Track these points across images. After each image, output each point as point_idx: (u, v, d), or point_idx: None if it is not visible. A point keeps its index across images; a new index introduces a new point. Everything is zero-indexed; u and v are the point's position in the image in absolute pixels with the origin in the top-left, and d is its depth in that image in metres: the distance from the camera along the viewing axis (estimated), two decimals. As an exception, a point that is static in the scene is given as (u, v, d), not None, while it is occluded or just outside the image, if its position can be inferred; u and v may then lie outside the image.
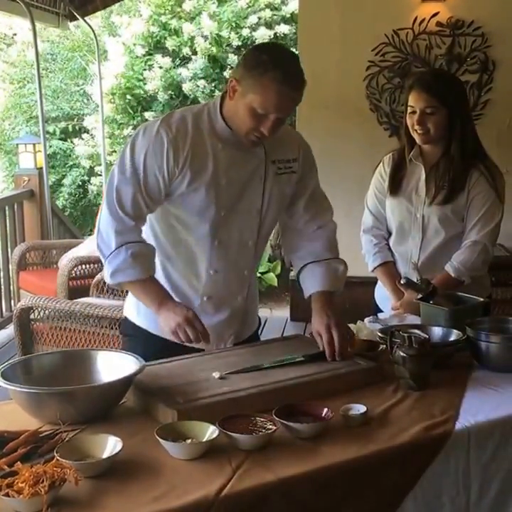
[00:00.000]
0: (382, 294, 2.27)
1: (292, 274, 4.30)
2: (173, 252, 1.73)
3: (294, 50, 5.47)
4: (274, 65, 1.52)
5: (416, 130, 2.06)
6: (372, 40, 4.02)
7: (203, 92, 6.16)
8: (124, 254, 1.61)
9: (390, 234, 2.25)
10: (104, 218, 1.64)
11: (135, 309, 1.81)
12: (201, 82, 6.20)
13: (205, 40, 6.22)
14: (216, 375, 1.53)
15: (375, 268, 2.25)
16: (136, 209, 1.63)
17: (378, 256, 2.23)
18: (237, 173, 1.67)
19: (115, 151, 6.88)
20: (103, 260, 1.65)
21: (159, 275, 1.73)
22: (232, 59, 6.14)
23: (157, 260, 1.72)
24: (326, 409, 1.38)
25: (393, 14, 4.00)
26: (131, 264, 1.61)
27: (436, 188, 2.10)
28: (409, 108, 2.08)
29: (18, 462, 1.13)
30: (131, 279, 1.63)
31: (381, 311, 2.20)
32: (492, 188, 2.08)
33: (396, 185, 2.18)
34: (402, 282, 1.96)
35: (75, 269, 3.80)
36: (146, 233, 1.73)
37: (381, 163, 2.25)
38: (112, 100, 6.59)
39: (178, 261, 1.72)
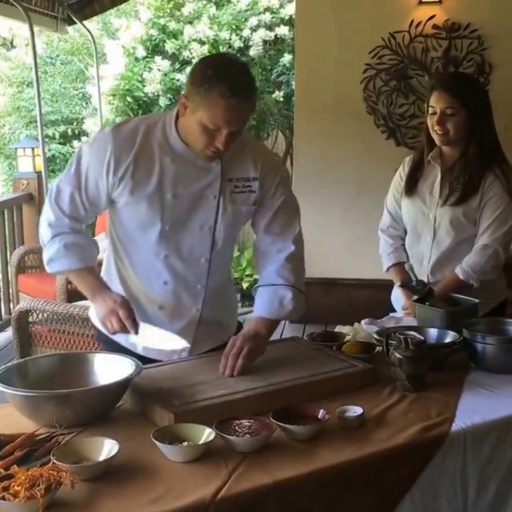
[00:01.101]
0: (397, 295, 2.26)
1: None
2: (128, 259, 1.74)
3: (292, 52, 5.49)
4: (219, 79, 1.50)
5: (436, 131, 2.07)
6: (369, 43, 4.04)
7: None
8: (57, 244, 1.68)
9: (406, 233, 2.26)
10: (44, 210, 1.71)
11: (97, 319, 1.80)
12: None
13: (201, 46, 6.23)
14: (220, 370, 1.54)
15: (388, 268, 2.25)
16: (72, 209, 1.68)
17: (392, 256, 2.24)
18: (186, 188, 1.65)
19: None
20: (43, 248, 1.72)
21: (115, 279, 1.75)
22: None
23: (114, 265, 1.75)
24: (322, 411, 1.39)
25: (390, 17, 4.01)
26: (64, 254, 1.67)
27: (450, 189, 2.11)
28: (430, 109, 2.09)
29: (15, 465, 1.13)
30: (65, 268, 1.70)
31: (395, 311, 2.20)
32: (506, 192, 2.08)
33: (412, 185, 2.19)
34: (398, 284, 1.97)
35: (74, 272, 3.80)
36: (108, 238, 1.77)
37: (402, 164, 2.27)
38: (112, 102, 6.59)
39: (133, 267, 1.73)
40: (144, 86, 6.42)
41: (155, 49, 6.51)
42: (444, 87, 2.06)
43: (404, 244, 2.25)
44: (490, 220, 2.08)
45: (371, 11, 4.03)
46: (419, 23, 3.99)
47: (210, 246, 1.71)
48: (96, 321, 1.79)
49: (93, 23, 7.64)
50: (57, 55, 8.82)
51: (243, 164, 1.69)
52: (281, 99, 5.85)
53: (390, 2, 4.01)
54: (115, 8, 6.68)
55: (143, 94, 6.46)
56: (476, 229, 2.11)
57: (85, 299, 3.44)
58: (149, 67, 6.46)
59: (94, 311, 1.71)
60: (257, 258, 1.80)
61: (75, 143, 7.71)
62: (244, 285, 4.86)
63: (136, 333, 1.61)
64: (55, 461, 1.16)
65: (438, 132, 2.07)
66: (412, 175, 2.19)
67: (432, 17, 3.97)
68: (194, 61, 6.32)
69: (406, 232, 2.25)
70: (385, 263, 2.26)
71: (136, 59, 6.54)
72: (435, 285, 2.12)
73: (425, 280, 2.13)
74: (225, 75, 1.51)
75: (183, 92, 1.59)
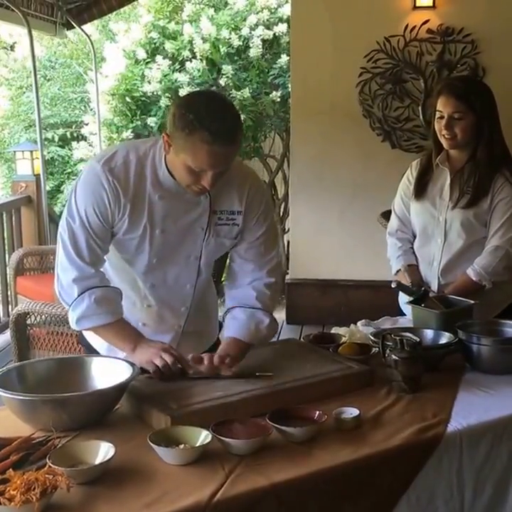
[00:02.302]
0: (406, 298, 2.26)
1: (287, 277, 4.33)
2: (114, 276, 1.72)
3: (289, 54, 5.49)
4: (201, 124, 1.44)
5: (443, 135, 2.08)
6: (364, 47, 4.06)
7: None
8: (88, 301, 1.58)
9: (415, 237, 2.27)
10: (62, 267, 1.61)
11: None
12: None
13: (204, 42, 6.24)
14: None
15: (397, 271, 2.25)
16: (92, 255, 1.60)
17: (401, 259, 2.24)
18: (175, 224, 1.63)
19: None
20: (66, 307, 1.62)
21: None
22: (227, 69, 6.17)
23: None
24: (318, 413, 1.39)
25: (385, 21, 4.04)
26: (96, 310, 1.58)
27: (460, 192, 2.12)
28: (437, 113, 2.09)
29: (10, 469, 1.13)
30: (98, 324, 1.60)
31: (404, 315, 2.19)
32: None
33: (421, 189, 2.20)
34: (392, 286, 1.97)
35: (72, 274, 3.80)
36: None
37: (409, 168, 2.27)
38: (111, 102, 6.59)
39: (117, 285, 1.70)
40: (143, 84, 6.42)
41: (154, 52, 6.53)
42: (451, 92, 2.06)
43: (412, 247, 2.26)
44: (501, 222, 2.09)
45: (366, 15, 4.06)
46: (414, 27, 4.02)
47: (196, 274, 1.70)
48: (87, 334, 1.78)
49: (93, 27, 7.65)
50: (57, 59, 8.83)
51: (229, 197, 1.66)
52: (278, 99, 5.86)
53: (385, 7, 4.04)
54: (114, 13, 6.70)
55: (142, 94, 6.46)
56: (487, 231, 2.12)
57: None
58: (150, 67, 6.47)
59: (137, 358, 1.56)
60: (233, 280, 1.74)
61: (74, 144, 7.72)
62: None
63: (190, 368, 1.55)
64: (51, 464, 1.16)
65: (446, 136, 2.07)
66: (420, 178, 2.20)
67: (427, 22, 4.00)
68: (195, 59, 6.32)
69: (414, 236, 2.26)
70: (393, 266, 2.27)
71: (137, 61, 6.55)
72: (446, 287, 2.13)
73: (436, 282, 2.14)
74: (207, 121, 1.44)
75: (166, 130, 1.52)
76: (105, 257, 1.68)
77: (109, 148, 1.66)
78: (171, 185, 1.60)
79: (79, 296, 1.59)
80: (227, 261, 1.83)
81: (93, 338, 1.77)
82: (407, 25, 4.02)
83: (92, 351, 1.76)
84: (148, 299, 1.71)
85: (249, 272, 1.72)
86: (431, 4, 3.98)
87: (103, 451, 1.23)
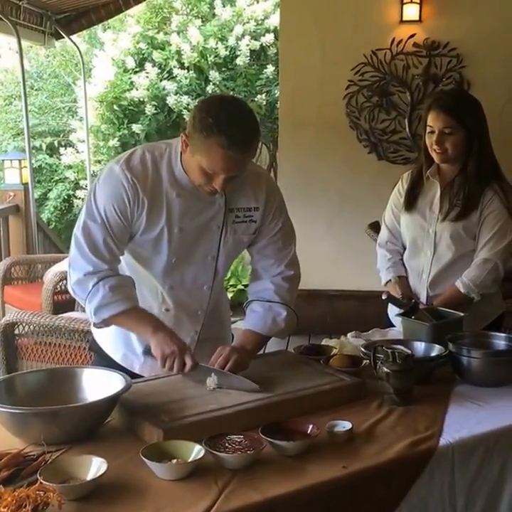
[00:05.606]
0: (396, 310, 2.27)
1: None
2: None
3: (276, 64, 5.52)
4: (219, 129, 1.47)
5: (434, 150, 2.10)
6: (351, 60, 4.12)
7: (186, 107, 6.20)
8: (103, 290, 1.59)
9: (404, 249, 2.28)
10: (75, 265, 1.62)
11: (102, 335, 1.79)
12: (185, 98, 6.24)
13: (193, 51, 6.27)
14: (211, 386, 1.55)
15: (387, 282, 2.26)
16: (109, 253, 1.62)
17: (391, 270, 2.25)
18: (191, 222, 1.66)
19: (99, 162, 6.88)
20: (82, 303, 1.63)
21: None
22: (214, 75, 6.19)
23: None
24: (311, 426, 1.39)
25: (372, 35, 4.11)
26: (113, 298, 1.59)
27: (449, 205, 2.14)
28: (427, 128, 2.11)
29: (1, 486, 1.11)
30: (116, 311, 1.60)
31: (393, 326, 2.19)
32: (505, 207, 2.11)
33: (411, 201, 2.21)
34: (383, 297, 1.98)
35: (60, 283, 3.77)
36: None
37: (400, 180, 2.29)
38: (99, 109, 6.59)
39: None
40: (131, 90, 6.42)
41: (142, 62, 6.54)
42: (441, 107, 2.08)
43: (402, 259, 2.27)
44: (489, 235, 2.11)
45: (354, 29, 4.12)
46: (400, 41, 4.09)
47: (213, 275, 1.73)
48: (97, 334, 1.78)
49: (80, 37, 7.63)
50: (44, 70, 8.82)
51: (244, 194, 1.69)
52: (264, 102, 5.88)
53: (372, 20, 4.11)
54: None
55: (129, 103, 6.46)
56: (476, 243, 2.14)
57: (71, 310, 3.43)
58: (138, 75, 6.49)
59: (153, 344, 1.59)
60: (255, 278, 1.79)
61: (62, 150, 7.69)
62: (229, 295, 4.87)
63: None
64: (42, 480, 1.14)
65: (437, 151, 2.09)
66: (411, 191, 2.22)
67: (413, 35, 4.07)
68: (183, 70, 6.33)
69: (404, 247, 2.27)
70: (383, 277, 2.28)
71: (125, 70, 6.56)
72: (435, 299, 2.14)
73: (425, 294, 2.16)
74: (225, 126, 1.48)
75: (186, 130, 1.57)
76: (123, 262, 1.69)
77: (127, 151, 1.72)
78: (187, 183, 1.63)
79: (93, 287, 1.59)
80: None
81: (107, 345, 1.77)
82: (393, 39, 4.09)
83: (104, 358, 1.76)
84: (166, 303, 1.72)
85: (270, 268, 1.76)
86: (417, 18, 4.06)
87: (95, 466, 1.21)
